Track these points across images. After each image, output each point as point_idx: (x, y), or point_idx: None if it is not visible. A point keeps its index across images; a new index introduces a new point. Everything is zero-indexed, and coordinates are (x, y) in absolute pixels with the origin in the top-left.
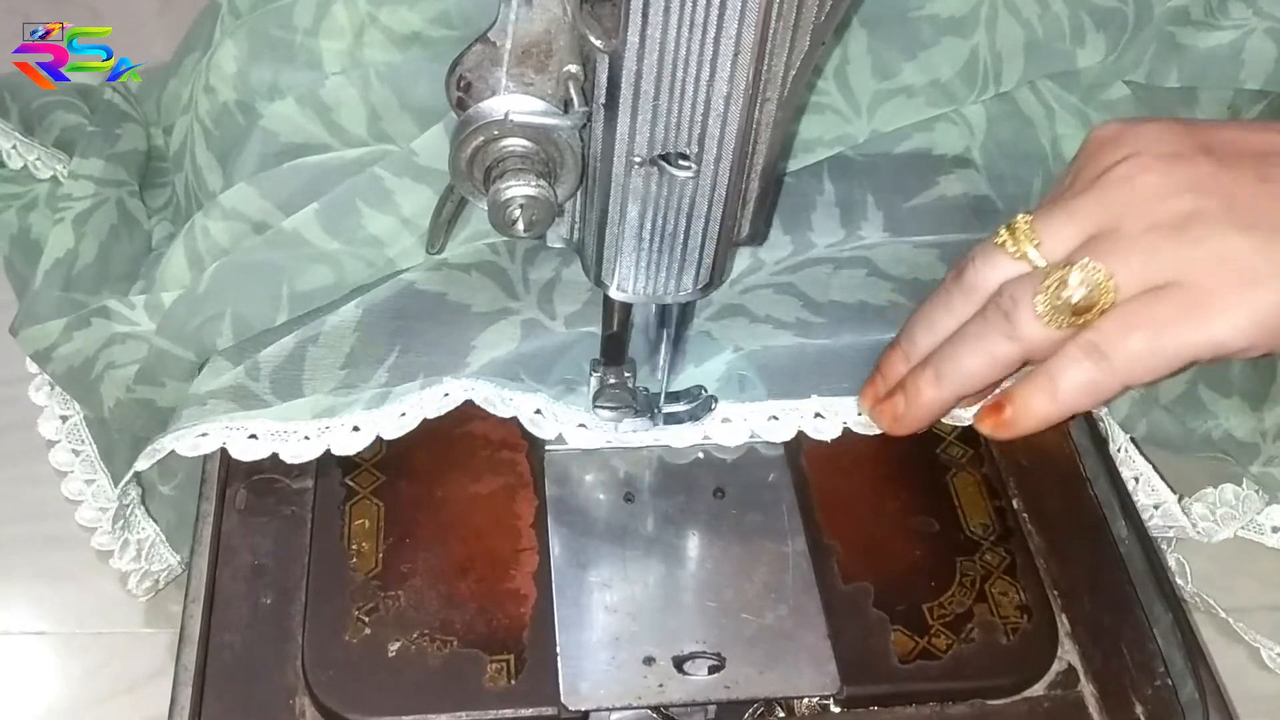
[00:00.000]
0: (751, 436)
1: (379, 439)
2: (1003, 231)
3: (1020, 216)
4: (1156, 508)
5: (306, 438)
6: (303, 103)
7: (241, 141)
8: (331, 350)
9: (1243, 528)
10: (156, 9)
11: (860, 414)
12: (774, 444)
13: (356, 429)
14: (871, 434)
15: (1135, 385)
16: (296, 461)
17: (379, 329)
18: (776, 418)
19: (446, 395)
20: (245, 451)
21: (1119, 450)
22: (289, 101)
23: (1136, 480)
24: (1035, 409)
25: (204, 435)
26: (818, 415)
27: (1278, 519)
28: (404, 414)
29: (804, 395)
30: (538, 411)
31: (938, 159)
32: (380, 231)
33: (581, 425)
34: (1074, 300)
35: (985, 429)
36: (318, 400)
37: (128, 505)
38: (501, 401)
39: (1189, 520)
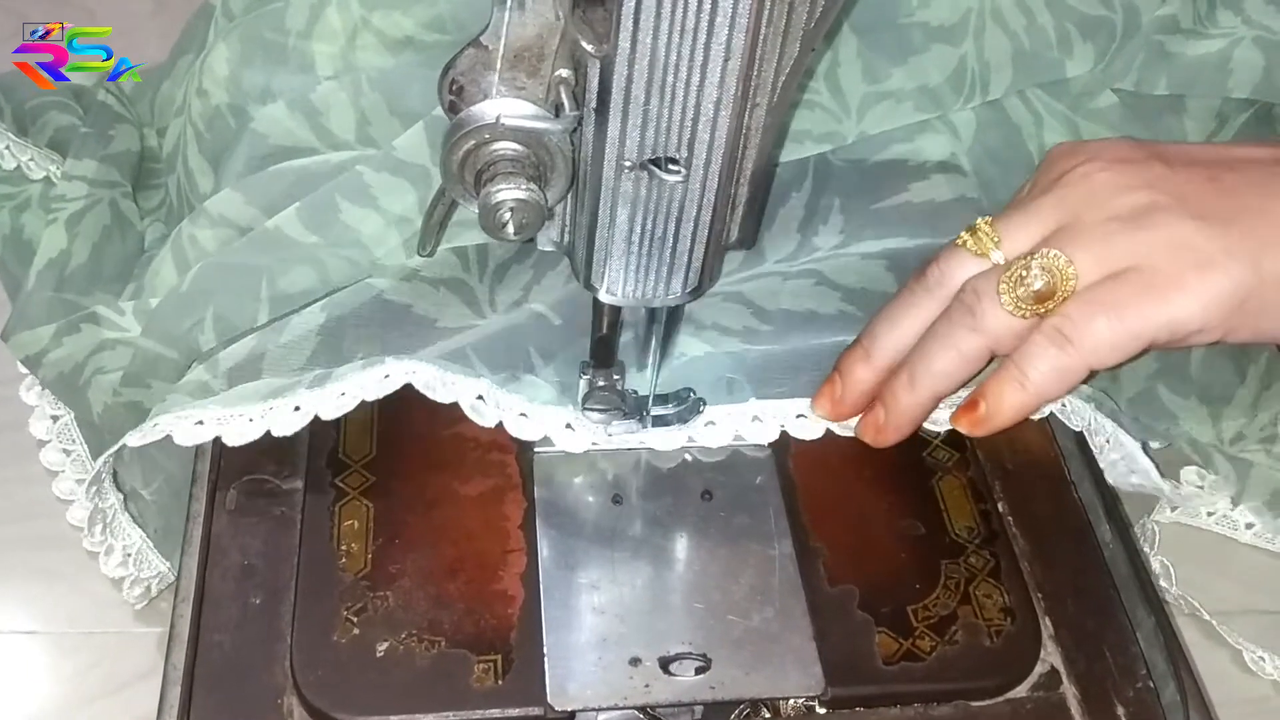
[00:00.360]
0: (690, 441)
1: (372, 441)
2: (964, 234)
3: (980, 220)
4: (1122, 458)
5: (250, 420)
6: (293, 106)
7: (232, 145)
8: (292, 351)
9: (1217, 524)
10: (151, 9)
11: (800, 415)
12: (762, 446)
13: (297, 408)
14: (805, 437)
15: (1100, 368)
16: (240, 443)
17: (342, 335)
18: (714, 423)
19: (387, 377)
20: (189, 436)
21: (1087, 424)
22: (279, 105)
23: (1108, 442)
24: (1008, 400)
25: (154, 425)
26: (755, 419)
27: (1251, 516)
28: (344, 393)
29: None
30: (479, 397)
31: (917, 166)
32: (358, 224)
33: (523, 414)
34: (1036, 287)
35: (963, 427)
36: (264, 384)
37: (107, 509)
38: (443, 385)
39: (1158, 473)
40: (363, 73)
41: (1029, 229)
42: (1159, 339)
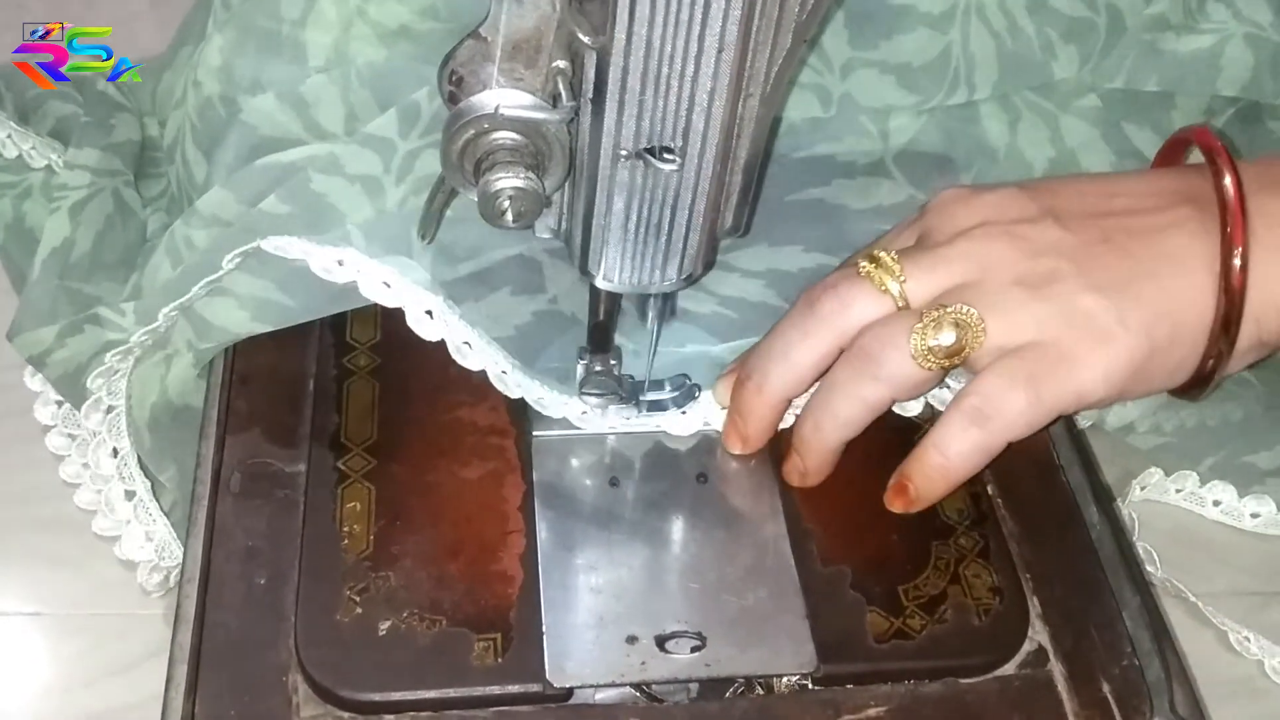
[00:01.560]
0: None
1: (373, 425)
2: (866, 263)
3: (885, 253)
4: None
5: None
6: (282, 98)
7: (222, 135)
8: None
9: (1185, 501)
10: (149, 1)
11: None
12: None
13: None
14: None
15: (1015, 439)
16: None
17: None
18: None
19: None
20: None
21: None
22: (269, 96)
23: None
24: (934, 481)
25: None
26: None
27: (1220, 494)
28: (213, 276)
29: None
30: (339, 262)
31: (847, 164)
32: (325, 190)
33: (386, 284)
34: (947, 342)
35: (897, 508)
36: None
37: (131, 491)
38: (292, 244)
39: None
40: (352, 66)
41: (935, 276)
42: (1067, 409)
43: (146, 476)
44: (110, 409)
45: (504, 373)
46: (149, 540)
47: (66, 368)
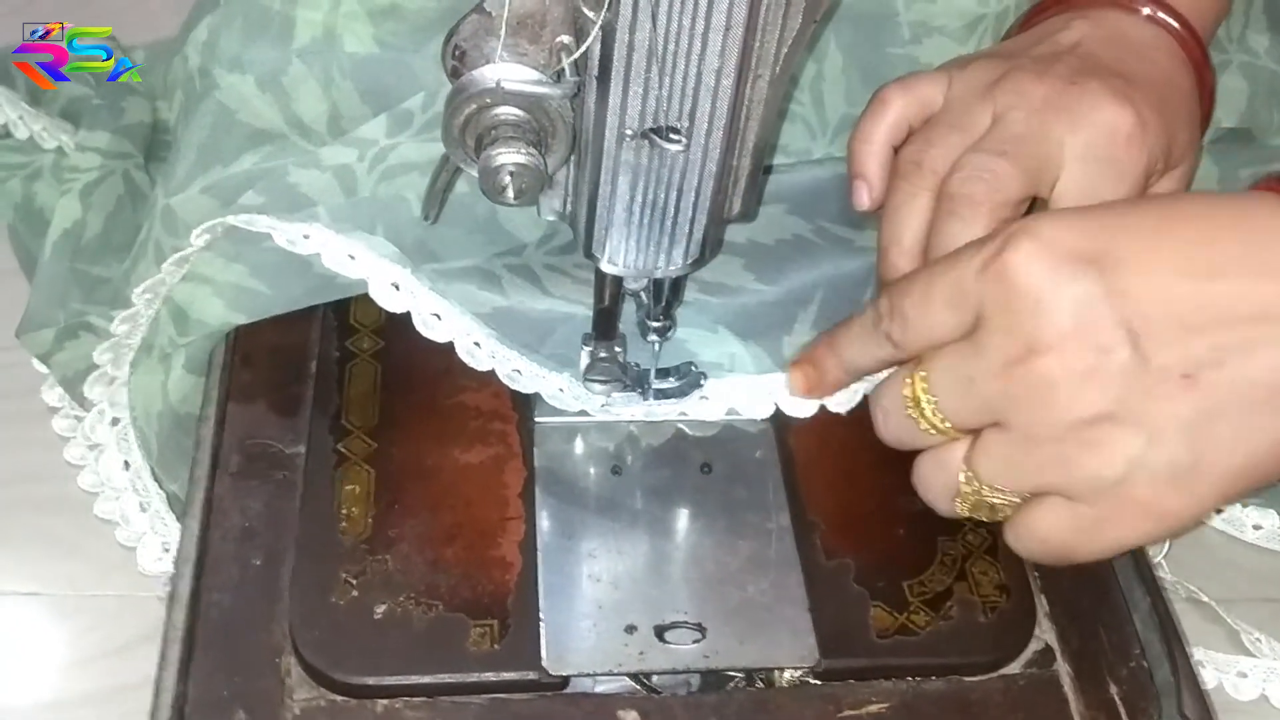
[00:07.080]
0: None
1: (375, 409)
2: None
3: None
4: None
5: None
6: (263, 85)
7: (193, 107)
8: None
9: (1222, 523)
10: None
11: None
12: (761, 421)
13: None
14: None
15: None
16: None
17: None
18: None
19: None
20: None
21: None
22: (249, 80)
23: None
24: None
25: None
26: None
27: (1259, 518)
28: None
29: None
30: (305, 236)
31: None
32: (299, 181)
33: (351, 256)
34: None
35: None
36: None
37: (146, 502)
38: (257, 219)
39: None
40: (335, 58)
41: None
42: None
43: (161, 488)
44: (116, 420)
45: (476, 344)
46: (165, 551)
47: (66, 371)
